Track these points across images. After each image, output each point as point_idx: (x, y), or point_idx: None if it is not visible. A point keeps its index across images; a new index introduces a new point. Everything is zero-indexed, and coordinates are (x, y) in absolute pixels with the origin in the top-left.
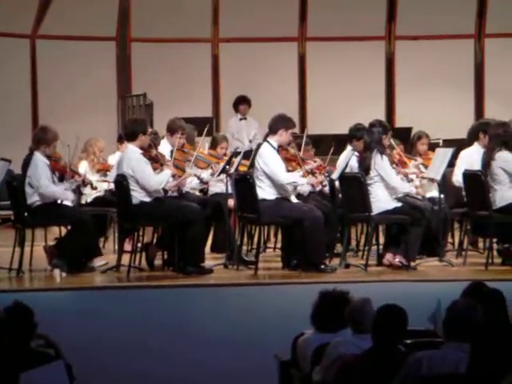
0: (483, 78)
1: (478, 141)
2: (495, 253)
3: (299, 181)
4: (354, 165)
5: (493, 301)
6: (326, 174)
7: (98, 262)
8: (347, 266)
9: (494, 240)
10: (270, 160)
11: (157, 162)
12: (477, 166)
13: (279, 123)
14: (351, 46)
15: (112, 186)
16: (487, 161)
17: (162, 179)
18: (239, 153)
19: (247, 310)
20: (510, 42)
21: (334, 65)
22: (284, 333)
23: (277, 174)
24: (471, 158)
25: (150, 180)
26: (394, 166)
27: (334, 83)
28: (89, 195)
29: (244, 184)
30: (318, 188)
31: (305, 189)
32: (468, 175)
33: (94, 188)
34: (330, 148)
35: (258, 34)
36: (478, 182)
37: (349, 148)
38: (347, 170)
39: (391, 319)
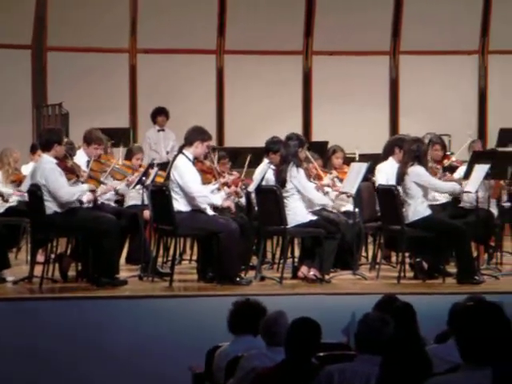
0: (398, 94)
1: (393, 156)
2: (407, 267)
3: (212, 198)
4: (270, 178)
5: (404, 314)
6: (243, 187)
7: (9, 275)
8: (262, 278)
9: (407, 254)
10: (184, 172)
11: (72, 172)
12: (392, 180)
13: (195, 135)
14: (269, 59)
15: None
16: (401, 175)
17: (75, 191)
18: (156, 164)
19: (162, 322)
20: (424, 58)
21: (252, 78)
22: (199, 345)
23: (190, 187)
24: (387, 172)
25: (62, 190)
26: (312, 179)
27: (251, 96)
28: (1, 206)
29: (160, 196)
30: (233, 201)
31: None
32: (381, 190)
33: (5, 200)
34: (247, 161)
35: (177, 46)
36: (392, 197)
37: (265, 161)
38: (263, 183)
39: (304, 332)
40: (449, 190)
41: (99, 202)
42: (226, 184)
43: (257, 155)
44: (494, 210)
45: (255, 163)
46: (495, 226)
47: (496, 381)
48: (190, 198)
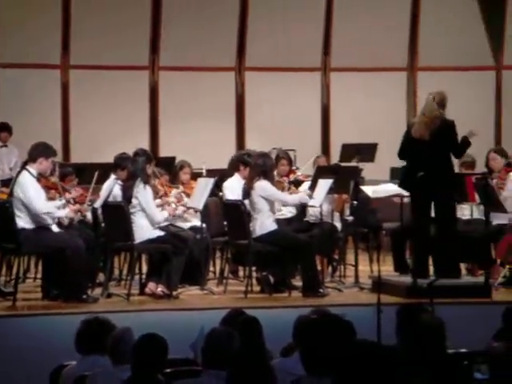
0: (244, 110)
1: (239, 172)
2: (254, 281)
3: (56, 212)
4: (117, 193)
5: (250, 328)
6: (89, 203)
7: None
8: (109, 295)
9: (254, 268)
10: (27, 188)
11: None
12: (239, 195)
13: (39, 151)
14: (115, 74)
15: None
16: (247, 190)
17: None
18: None
19: (5, 342)
20: (269, 75)
21: (98, 93)
22: (44, 365)
23: (33, 203)
24: (234, 187)
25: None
26: (160, 195)
27: (98, 112)
28: None
29: (2, 213)
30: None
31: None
32: (228, 205)
33: None
34: (94, 177)
35: (22, 60)
36: (238, 212)
37: (112, 177)
38: (110, 199)
39: (150, 348)
40: (296, 202)
41: None
42: (70, 201)
43: (104, 171)
44: (338, 224)
45: (103, 179)
46: (339, 239)
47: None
48: (33, 215)
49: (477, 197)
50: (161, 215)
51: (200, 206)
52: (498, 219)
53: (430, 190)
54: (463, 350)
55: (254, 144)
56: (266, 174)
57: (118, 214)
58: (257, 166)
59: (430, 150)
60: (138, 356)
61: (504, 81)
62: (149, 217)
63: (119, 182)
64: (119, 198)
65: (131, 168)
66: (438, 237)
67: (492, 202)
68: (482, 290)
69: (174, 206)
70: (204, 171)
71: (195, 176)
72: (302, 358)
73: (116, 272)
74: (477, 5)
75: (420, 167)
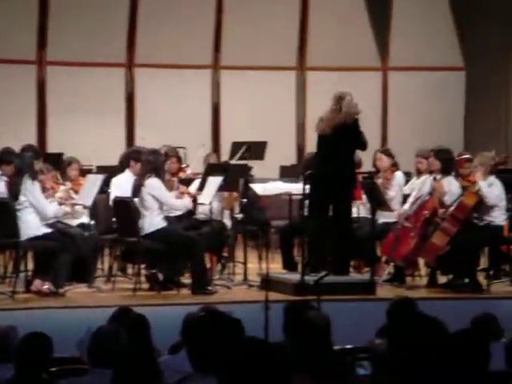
0: (134, 107)
1: (129, 168)
2: (143, 278)
3: None
4: (2, 190)
5: (137, 326)
6: None
7: None
8: None
9: (143, 266)
10: None
11: None
12: (128, 192)
13: None
14: (3, 68)
15: None
16: (138, 187)
17: None
18: None
19: None
20: (159, 72)
21: None
22: None
23: None
24: (124, 184)
25: None
26: (47, 191)
27: None
28: None
29: None
30: None
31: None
32: (118, 202)
33: None
34: None
35: None
36: (128, 209)
37: None
38: None
39: (33, 347)
40: (180, 208)
41: None
42: None
43: None
44: (227, 221)
45: None
46: (228, 236)
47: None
48: None
49: (363, 196)
50: (52, 208)
51: (88, 203)
52: (383, 218)
53: (331, 188)
54: (348, 347)
55: (143, 141)
56: (157, 171)
57: (3, 211)
58: (148, 162)
59: (333, 146)
60: (21, 354)
61: (390, 81)
62: (40, 213)
63: (4, 177)
64: (4, 195)
65: (18, 164)
66: (334, 234)
67: (378, 201)
68: (368, 286)
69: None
70: (94, 167)
71: (84, 172)
72: (189, 355)
73: (1, 270)
74: (363, 5)
75: (322, 163)
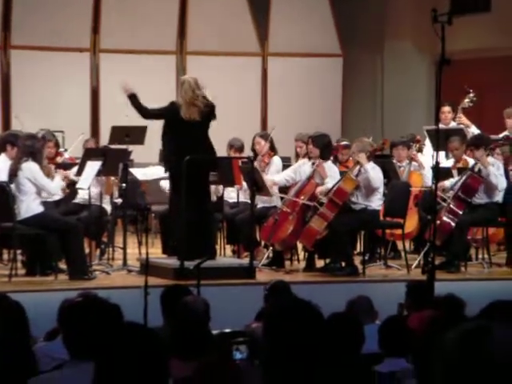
0: (9, 90)
1: (5, 152)
2: (19, 264)
3: None
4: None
5: (13, 313)
6: None
7: None
8: None
9: (19, 251)
10: None
11: None
12: (4, 176)
13: None
14: None
15: None
16: (14, 171)
17: None
18: None
19: None
20: (37, 54)
21: None
22: None
23: None
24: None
25: None
26: None
27: None
28: None
29: None
30: None
31: None
32: None
33: None
34: None
35: None
36: (3, 193)
37: None
38: None
39: None
40: (56, 191)
41: None
42: None
43: None
44: (107, 206)
45: None
46: (108, 221)
47: (99, 373)
48: None
49: (243, 180)
50: None
51: None
52: (262, 202)
53: (194, 172)
54: (227, 331)
55: (21, 125)
56: (35, 156)
57: None
58: (25, 147)
59: (200, 132)
60: None
61: (269, 67)
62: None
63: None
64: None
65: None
66: (194, 218)
67: (257, 186)
68: (247, 271)
69: None
70: None
71: None
72: (65, 341)
73: None
74: None
75: (188, 149)
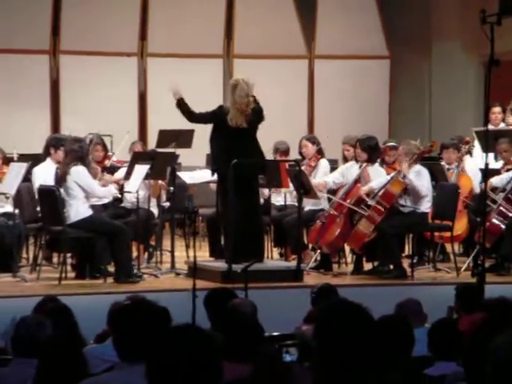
0: (59, 94)
1: (50, 156)
2: (69, 267)
3: None
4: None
5: (63, 315)
6: None
7: None
8: None
9: (68, 255)
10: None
11: None
12: (50, 180)
13: None
14: None
15: None
16: (63, 175)
17: None
18: None
19: None
20: (85, 59)
21: None
22: None
23: None
24: (46, 173)
25: None
26: None
27: None
28: None
29: None
30: None
31: None
32: (42, 190)
33: None
34: None
35: None
36: (53, 197)
37: None
38: None
39: None
40: (106, 196)
41: None
42: None
43: None
44: (154, 210)
45: None
46: (155, 225)
47: (150, 376)
48: None
49: (290, 183)
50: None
51: (12, 192)
52: (310, 205)
53: (242, 175)
54: (275, 334)
55: (69, 129)
56: (83, 160)
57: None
58: (73, 151)
59: (248, 136)
60: None
61: (316, 69)
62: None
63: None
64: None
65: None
66: (244, 222)
67: (304, 189)
68: (295, 274)
69: None
70: (15, 156)
71: (7, 161)
72: (115, 344)
73: None
74: None
75: (237, 154)
